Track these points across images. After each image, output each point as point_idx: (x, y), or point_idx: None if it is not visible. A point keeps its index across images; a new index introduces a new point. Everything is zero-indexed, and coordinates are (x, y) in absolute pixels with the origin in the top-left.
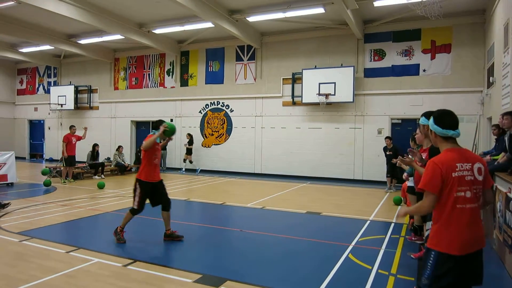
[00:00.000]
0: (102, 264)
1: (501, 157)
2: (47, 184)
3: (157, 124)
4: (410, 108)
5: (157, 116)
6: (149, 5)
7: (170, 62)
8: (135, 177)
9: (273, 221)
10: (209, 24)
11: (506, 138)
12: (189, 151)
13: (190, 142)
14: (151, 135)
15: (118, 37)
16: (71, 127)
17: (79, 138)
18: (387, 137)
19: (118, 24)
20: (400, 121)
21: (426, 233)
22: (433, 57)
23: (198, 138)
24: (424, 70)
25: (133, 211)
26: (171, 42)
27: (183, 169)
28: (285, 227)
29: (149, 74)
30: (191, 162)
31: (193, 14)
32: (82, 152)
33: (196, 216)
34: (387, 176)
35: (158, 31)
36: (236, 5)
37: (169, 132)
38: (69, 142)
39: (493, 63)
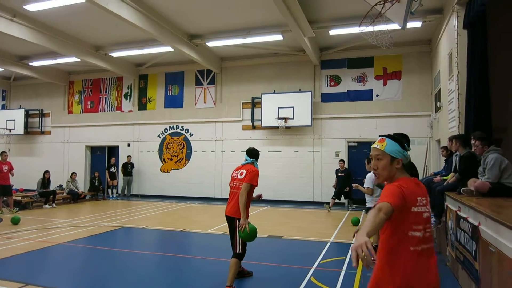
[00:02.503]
0: None
1: (450, 177)
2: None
3: (254, 152)
4: (365, 132)
5: (113, 141)
6: (106, 28)
7: (128, 85)
8: (234, 217)
9: None
10: (168, 48)
11: (455, 160)
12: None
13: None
14: (252, 165)
15: (73, 59)
16: (2, 153)
17: (11, 167)
18: (341, 160)
19: (74, 46)
20: (356, 144)
21: None
22: (385, 83)
23: (156, 163)
24: (377, 96)
25: (240, 256)
26: (129, 65)
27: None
28: (247, 252)
29: (105, 98)
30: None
31: (152, 37)
32: (31, 180)
33: (155, 244)
34: (332, 197)
35: (115, 54)
36: (195, 30)
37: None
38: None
39: (440, 89)
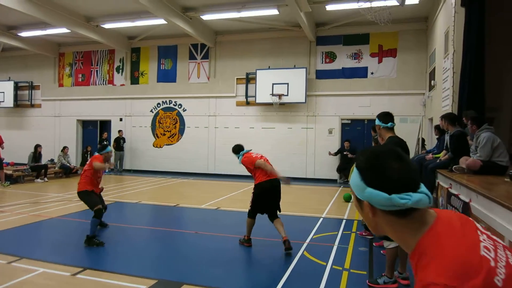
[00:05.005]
0: (48, 274)
1: (443, 155)
2: None
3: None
4: (358, 109)
5: (106, 115)
6: None
7: (120, 58)
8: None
9: (229, 221)
10: (161, 21)
11: (447, 138)
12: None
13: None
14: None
15: (63, 30)
16: None
17: (1, 141)
18: (346, 140)
19: (64, 16)
20: (349, 121)
21: None
22: (380, 61)
23: (149, 138)
24: (372, 73)
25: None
26: (121, 37)
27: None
28: (240, 227)
29: (97, 71)
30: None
31: (145, 9)
32: (23, 153)
33: (148, 219)
34: (338, 170)
35: (107, 26)
36: (190, 3)
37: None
38: None
39: (434, 67)
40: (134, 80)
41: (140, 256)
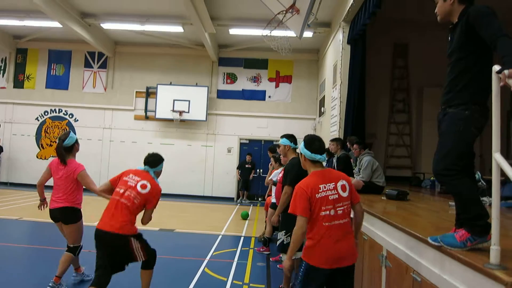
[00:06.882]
0: None
1: None
2: None
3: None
4: (256, 130)
5: None
6: None
7: (2, 58)
8: (127, 234)
9: None
10: (55, 24)
11: (334, 160)
12: None
13: None
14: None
15: None
16: None
17: None
18: (248, 153)
19: None
20: (247, 142)
21: (278, 242)
22: (277, 86)
23: (32, 149)
24: (269, 97)
25: None
26: (5, 36)
27: None
28: None
29: None
30: None
31: (37, 9)
32: None
33: (32, 237)
34: (240, 190)
35: None
36: (89, 9)
37: None
38: None
39: (324, 95)
40: (18, 84)
41: (24, 276)
